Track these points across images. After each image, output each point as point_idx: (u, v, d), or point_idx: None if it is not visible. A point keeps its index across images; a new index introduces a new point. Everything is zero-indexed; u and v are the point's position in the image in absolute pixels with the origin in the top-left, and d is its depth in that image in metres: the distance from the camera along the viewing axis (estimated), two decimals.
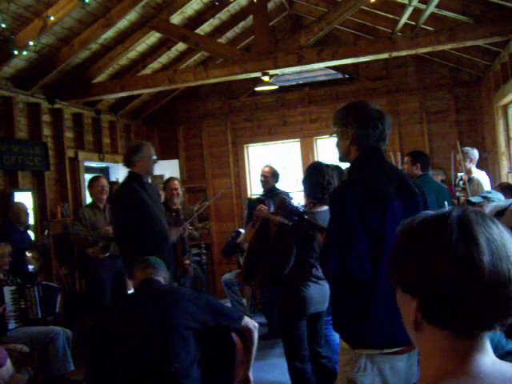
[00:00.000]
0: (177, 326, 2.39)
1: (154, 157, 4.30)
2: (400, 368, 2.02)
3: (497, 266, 0.82)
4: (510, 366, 0.87)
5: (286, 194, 5.96)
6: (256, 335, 2.64)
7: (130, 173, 4.26)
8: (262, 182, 5.95)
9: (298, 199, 4.28)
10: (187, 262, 4.70)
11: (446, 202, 4.56)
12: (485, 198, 4.10)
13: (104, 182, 5.67)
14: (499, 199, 4.08)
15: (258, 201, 5.59)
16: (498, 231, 0.86)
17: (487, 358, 0.86)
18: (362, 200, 2.00)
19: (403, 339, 2.02)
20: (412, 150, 5.79)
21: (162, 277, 2.79)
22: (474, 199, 4.19)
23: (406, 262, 0.89)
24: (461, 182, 5.39)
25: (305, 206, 3.67)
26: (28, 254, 4.84)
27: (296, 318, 3.45)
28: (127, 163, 4.23)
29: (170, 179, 5.79)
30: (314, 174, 3.43)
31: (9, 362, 3.11)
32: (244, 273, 3.84)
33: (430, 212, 0.93)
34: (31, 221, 5.56)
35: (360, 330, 2.04)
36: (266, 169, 5.93)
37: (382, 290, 1.98)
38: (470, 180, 5.23)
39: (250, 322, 2.63)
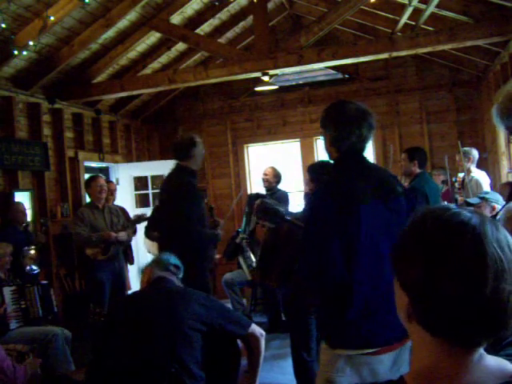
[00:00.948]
0: (182, 326, 2.38)
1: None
2: (380, 371, 2.00)
3: (498, 291, 0.80)
4: (496, 359, 0.88)
5: (285, 194, 5.99)
6: (263, 344, 2.60)
7: (182, 166, 3.95)
8: (263, 180, 5.97)
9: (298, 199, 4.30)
10: (218, 256, 4.56)
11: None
12: (482, 198, 4.11)
13: (102, 181, 5.61)
14: (497, 200, 4.08)
15: (257, 196, 5.59)
16: (507, 247, 0.84)
17: (475, 354, 0.86)
18: (335, 204, 2.00)
19: (384, 338, 2.00)
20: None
21: (176, 277, 2.74)
22: (471, 200, 4.19)
23: (408, 258, 0.88)
24: (456, 184, 5.38)
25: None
26: (31, 252, 4.83)
27: (308, 313, 3.46)
28: (183, 156, 3.92)
29: None
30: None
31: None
32: (260, 273, 3.83)
33: (451, 208, 0.89)
34: (31, 221, 5.56)
35: (339, 331, 2.04)
36: (269, 169, 5.97)
37: (360, 290, 1.98)
38: (470, 180, 5.23)
39: (257, 330, 2.60)
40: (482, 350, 0.87)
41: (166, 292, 2.59)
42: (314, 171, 3.61)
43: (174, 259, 2.82)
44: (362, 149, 2.17)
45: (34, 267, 4.86)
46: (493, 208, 4.03)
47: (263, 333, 2.63)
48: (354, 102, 2.24)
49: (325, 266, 1.97)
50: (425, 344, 0.88)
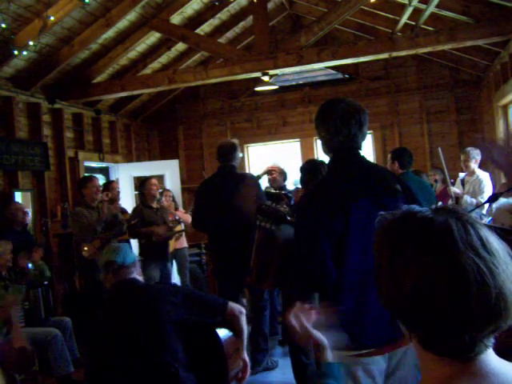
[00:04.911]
0: (165, 321, 2.37)
1: None
2: (374, 372, 1.97)
3: (481, 293, 0.78)
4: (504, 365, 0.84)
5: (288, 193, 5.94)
6: (243, 320, 2.53)
7: (234, 166, 4.56)
8: (269, 180, 5.87)
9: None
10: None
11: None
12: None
13: (98, 182, 5.51)
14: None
15: (276, 195, 5.51)
16: (478, 238, 0.81)
17: (491, 357, 0.83)
18: (321, 207, 1.99)
19: (377, 340, 1.95)
20: (412, 150, 5.78)
21: (136, 273, 2.64)
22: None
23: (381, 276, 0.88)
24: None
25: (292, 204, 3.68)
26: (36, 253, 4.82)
27: None
28: (232, 159, 4.52)
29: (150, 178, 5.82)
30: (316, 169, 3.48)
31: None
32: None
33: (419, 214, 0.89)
34: (31, 221, 5.54)
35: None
36: (273, 167, 5.83)
37: (351, 290, 1.96)
38: (474, 180, 5.26)
39: (236, 308, 2.53)
40: (495, 355, 0.83)
41: (138, 291, 2.52)
42: (306, 174, 3.61)
43: (123, 249, 2.67)
44: (353, 147, 2.13)
45: (44, 266, 4.83)
46: None
47: (243, 310, 2.56)
48: (344, 99, 2.21)
49: (313, 266, 1.97)
50: (433, 364, 0.85)
